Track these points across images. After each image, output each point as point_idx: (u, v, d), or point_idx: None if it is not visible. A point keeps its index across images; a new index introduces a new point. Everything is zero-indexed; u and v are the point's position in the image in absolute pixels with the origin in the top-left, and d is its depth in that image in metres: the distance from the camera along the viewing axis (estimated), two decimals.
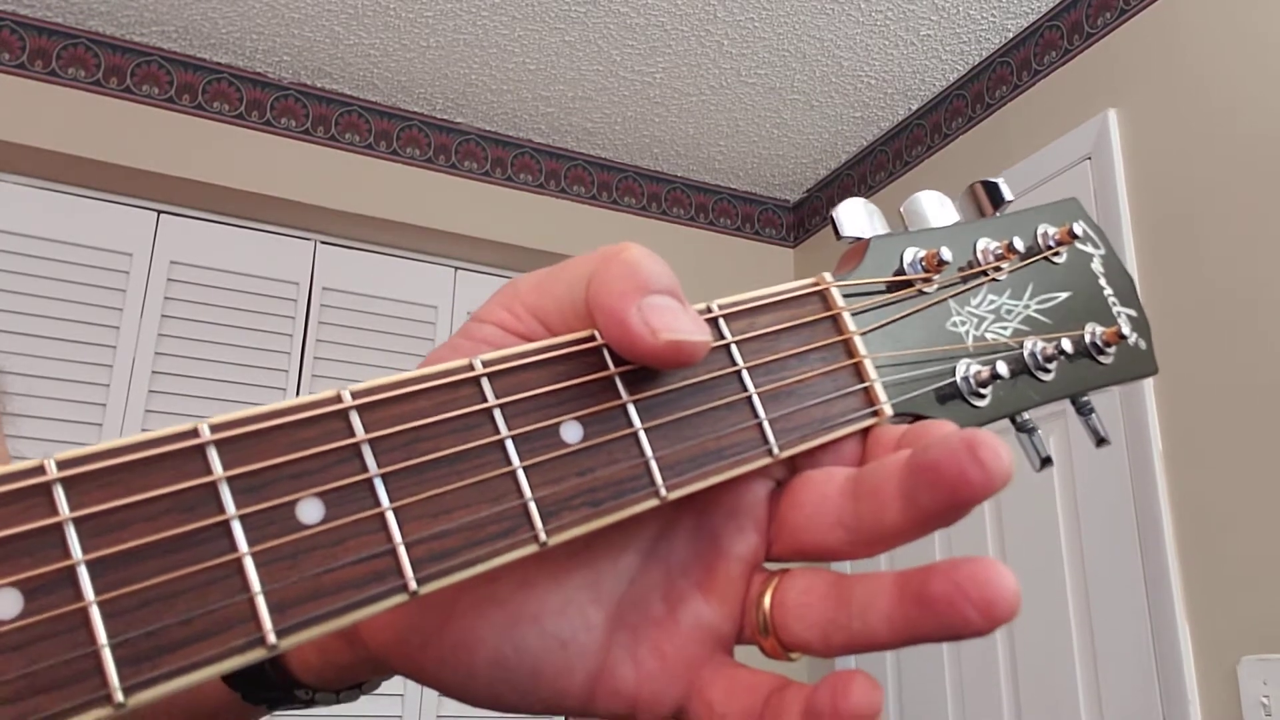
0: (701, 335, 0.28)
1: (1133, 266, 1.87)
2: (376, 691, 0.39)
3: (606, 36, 2.29)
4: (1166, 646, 1.68)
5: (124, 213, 2.32)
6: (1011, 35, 2.25)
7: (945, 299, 0.37)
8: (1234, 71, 1.76)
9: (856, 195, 2.71)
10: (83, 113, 2.26)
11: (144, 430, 2.17)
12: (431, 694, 2.27)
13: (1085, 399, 0.41)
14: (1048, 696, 1.91)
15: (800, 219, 2.97)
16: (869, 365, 0.34)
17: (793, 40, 2.29)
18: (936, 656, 2.20)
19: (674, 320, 0.28)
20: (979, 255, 0.39)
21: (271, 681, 0.36)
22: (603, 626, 0.31)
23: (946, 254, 0.36)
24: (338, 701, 0.38)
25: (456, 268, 2.62)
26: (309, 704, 0.38)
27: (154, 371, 2.23)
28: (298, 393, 2.35)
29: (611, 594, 0.31)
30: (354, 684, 0.37)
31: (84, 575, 0.22)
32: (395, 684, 2.07)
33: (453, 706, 2.30)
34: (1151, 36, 1.93)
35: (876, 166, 2.65)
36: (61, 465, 0.23)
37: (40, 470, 0.22)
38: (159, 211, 2.36)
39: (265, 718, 0.41)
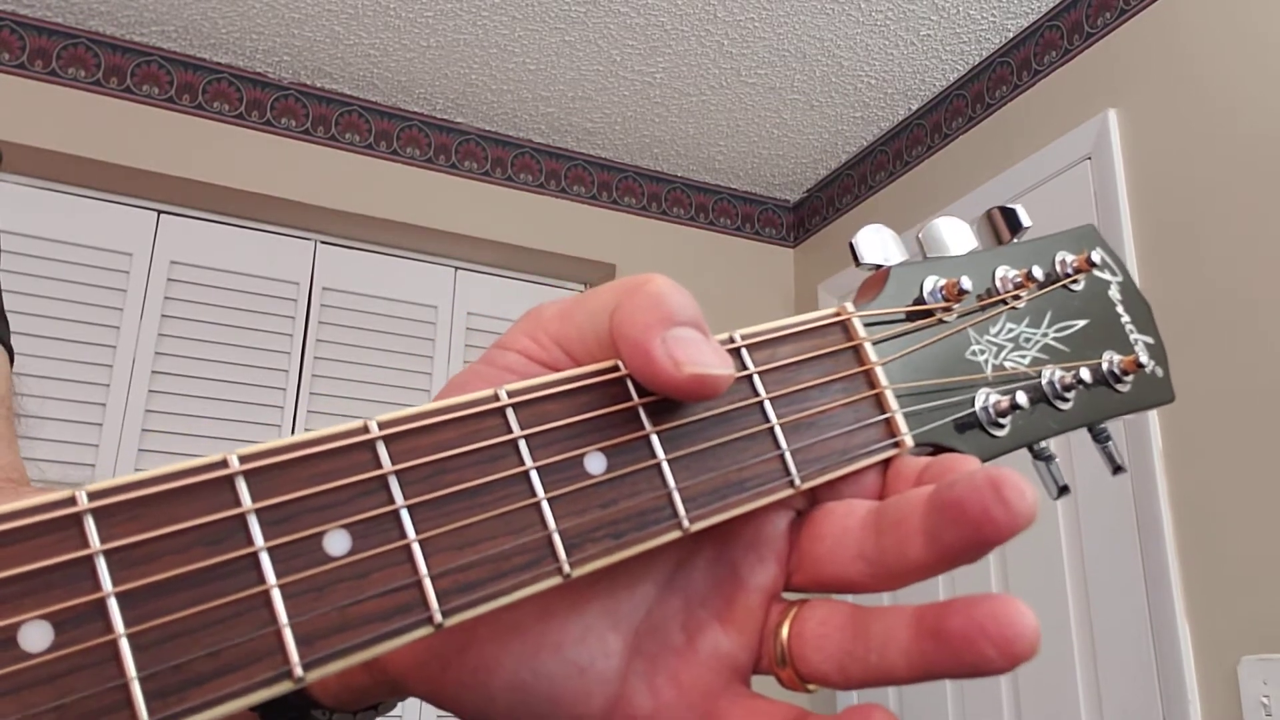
0: (725, 369, 0.28)
1: (1133, 267, 1.87)
2: None
3: (607, 36, 2.29)
4: (1166, 646, 1.68)
5: (124, 212, 2.32)
6: (1011, 35, 2.25)
7: (965, 328, 0.37)
8: (1234, 71, 1.76)
9: (856, 195, 2.71)
10: (83, 113, 2.25)
11: (144, 430, 2.17)
12: None
13: (1102, 427, 0.41)
14: (1048, 696, 1.92)
15: (800, 219, 2.97)
16: (890, 396, 0.34)
17: (793, 40, 2.29)
18: None
19: (698, 353, 0.28)
20: (998, 283, 0.39)
21: (289, 702, 0.36)
22: (621, 654, 0.31)
23: (966, 283, 0.36)
24: None
25: (456, 268, 2.62)
26: None
27: (154, 371, 2.23)
28: (298, 393, 2.35)
29: (630, 622, 0.31)
30: (370, 705, 0.37)
31: (114, 608, 0.22)
32: None
33: None
34: (1152, 36, 1.93)
35: (877, 167, 2.65)
36: (92, 496, 0.23)
37: (71, 501, 0.23)
38: (159, 211, 2.36)
39: None
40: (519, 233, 2.62)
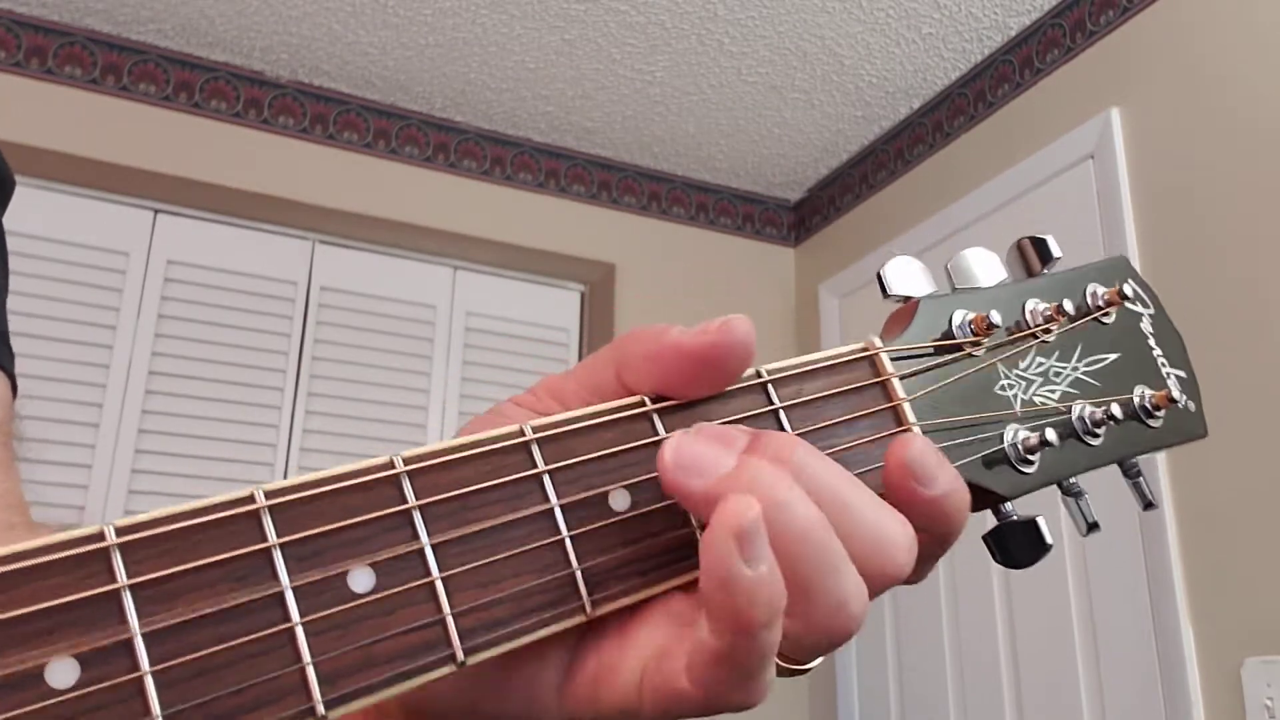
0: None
1: (1135, 267, 1.87)
2: None
3: (606, 35, 2.28)
4: (1169, 649, 1.68)
5: (121, 212, 2.31)
6: (1014, 33, 2.25)
7: (994, 362, 0.37)
8: (1238, 69, 1.75)
9: (858, 194, 2.70)
10: (79, 111, 2.24)
11: (140, 431, 2.16)
12: None
13: (1133, 462, 0.40)
14: (1050, 698, 1.92)
15: (801, 218, 2.96)
16: (917, 433, 0.34)
17: (794, 38, 2.28)
18: (939, 659, 2.20)
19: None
20: (1028, 316, 0.38)
21: None
22: (584, 630, 0.30)
23: (996, 317, 0.36)
24: None
25: (455, 267, 2.61)
26: None
27: (151, 372, 2.22)
28: (295, 393, 2.34)
29: None
30: None
31: (140, 645, 0.22)
32: None
33: None
34: (1155, 34, 1.93)
35: (878, 165, 2.65)
36: (120, 531, 0.23)
37: (99, 537, 0.23)
38: (156, 210, 2.34)
39: None
40: (518, 232, 2.61)
